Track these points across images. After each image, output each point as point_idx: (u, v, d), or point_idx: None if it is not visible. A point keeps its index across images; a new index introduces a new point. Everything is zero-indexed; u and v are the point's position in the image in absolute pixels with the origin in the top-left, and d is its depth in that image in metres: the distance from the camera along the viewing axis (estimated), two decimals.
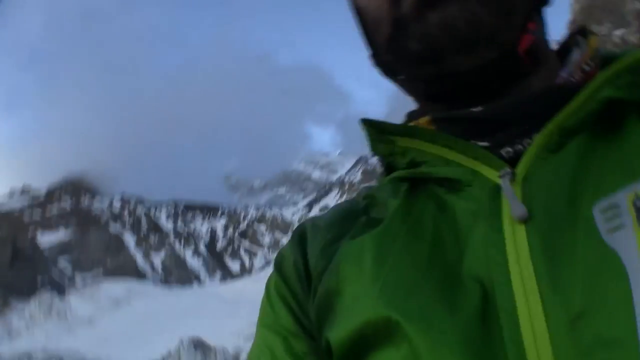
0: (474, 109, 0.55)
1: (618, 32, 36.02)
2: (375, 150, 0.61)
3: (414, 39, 0.54)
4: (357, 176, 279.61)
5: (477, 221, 0.52)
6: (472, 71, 0.54)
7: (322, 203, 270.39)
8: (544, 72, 0.57)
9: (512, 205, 0.50)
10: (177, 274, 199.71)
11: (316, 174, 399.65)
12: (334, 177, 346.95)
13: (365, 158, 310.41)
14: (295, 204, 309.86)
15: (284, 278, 0.65)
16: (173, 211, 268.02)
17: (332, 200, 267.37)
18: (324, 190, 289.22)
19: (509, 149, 0.54)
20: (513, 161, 0.53)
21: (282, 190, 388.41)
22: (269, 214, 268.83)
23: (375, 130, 0.60)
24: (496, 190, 0.52)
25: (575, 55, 0.58)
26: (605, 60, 0.57)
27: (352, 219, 0.63)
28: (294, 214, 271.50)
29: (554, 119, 0.51)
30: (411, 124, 0.61)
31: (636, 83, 0.49)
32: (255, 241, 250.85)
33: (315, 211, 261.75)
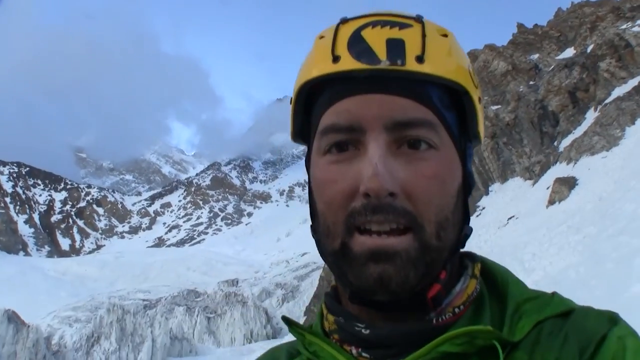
0: (364, 331, 0.69)
1: (494, 107, 36.32)
2: (292, 334, 0.76)
3: (352, 275, 0.66)
4: (206, 181, 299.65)
5: None
6: (386, 302, 0.67)
7: (165, 199, 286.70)
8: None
9: None
10: (5, 239, 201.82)
11: (166, 169, 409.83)
12: (183, 177, 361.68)
13: (218, 165, 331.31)
14: (139, 194, 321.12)
15: None
16: (16, 173, 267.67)
17: (176, 198, 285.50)
18: (170, 187, 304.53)
19: None
20: None
21: (129, 176, 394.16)
22: (110, 198, 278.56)
23: (291, 326, 0.76)
24: None
25: (457, 289, 0.71)
26: (484, 273, 0.76)
27: None
28: (134, 203, 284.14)
29: (407, 358, 0.65)
30: (323, 314, 0.77)
31: (470, 342, 0.63)
32: (91, 223, 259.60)
33: (156, 206, 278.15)
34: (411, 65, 0.67)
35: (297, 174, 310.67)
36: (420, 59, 0.67)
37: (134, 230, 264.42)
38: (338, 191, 0.67)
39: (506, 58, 41.03)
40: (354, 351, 0.70)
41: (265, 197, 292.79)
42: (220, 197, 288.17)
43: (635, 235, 9.38)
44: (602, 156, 22.66)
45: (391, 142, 0.66)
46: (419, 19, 0.70)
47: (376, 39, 0.68)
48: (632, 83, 26.15)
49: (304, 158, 0.80)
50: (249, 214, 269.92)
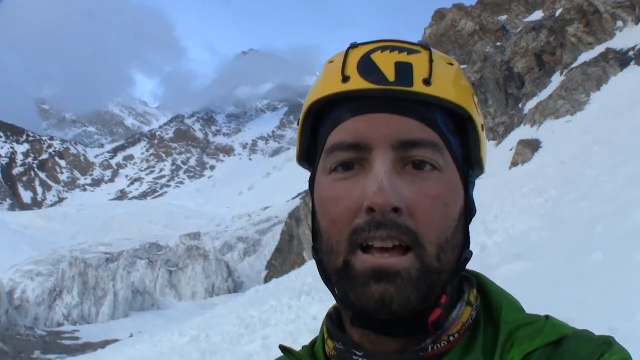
0: (358, 354, 0.71)
1: (460, 67, 51.69)
2: None
3: (354, 295, 0.67)
4: (169, 133, 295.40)
5: None
6: (387, 321, 0.68)
7: (128, 151, 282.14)
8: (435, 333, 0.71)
9: None
10: None
11: (129, 121, 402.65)
12: (146, 129, 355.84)
13: (181, 117, 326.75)
14: (101, 146, 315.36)
15: None
16: None
17: (138, 151, 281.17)
18: (133, 139, 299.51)
19: None
20: None
21: (91, 128, 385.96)
22: (72, 150, 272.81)
23: (290, 354, 0.79)
24: None
25: (453, 315, 0.72)
26: (481, 294, 0.76)
27: None
28: (97, 156, 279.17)
29: None
30: (326, 338, 0.78)
31: None
32: (53, 175, 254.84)
33: (119, 158, 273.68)
34: (418, 87, 0.69)
35: (261, 127, 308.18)
36: (427, 82, 0.69)
37: (96, 183, 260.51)
38: (343, 208, 0.68)
39: (474, 18, 41.21)
40: None
41: (228, 151, 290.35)
42: (183, 149, 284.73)
43: (597, 202, 9.47)
44: (566, 120, 22.91)
45: (397, 160, 0.68)
46: (426, 46, 0.73)
47: (385, 61, 0.70)
48: (598, 49, 26.26)
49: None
50: (212, 167, 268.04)
